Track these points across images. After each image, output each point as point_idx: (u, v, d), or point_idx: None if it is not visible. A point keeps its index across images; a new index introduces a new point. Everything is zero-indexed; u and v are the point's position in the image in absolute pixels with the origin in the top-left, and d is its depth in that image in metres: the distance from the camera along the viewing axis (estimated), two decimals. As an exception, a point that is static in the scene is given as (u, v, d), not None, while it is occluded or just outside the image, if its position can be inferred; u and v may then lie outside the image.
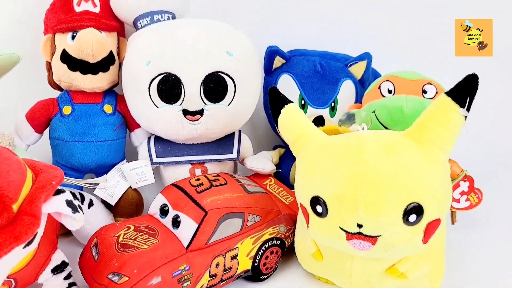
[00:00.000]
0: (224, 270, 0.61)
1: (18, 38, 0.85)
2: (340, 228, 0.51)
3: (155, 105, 0.70)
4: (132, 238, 0.60)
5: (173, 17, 0.77)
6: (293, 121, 0.59)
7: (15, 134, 0.76)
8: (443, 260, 0.60)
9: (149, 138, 0.77)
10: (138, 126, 0.79)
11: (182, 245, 0.59)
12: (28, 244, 0.46)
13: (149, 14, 0.74)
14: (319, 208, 0.52)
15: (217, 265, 0.60)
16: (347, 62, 0.83)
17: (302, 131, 0.58)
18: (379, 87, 0.76)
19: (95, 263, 0.58)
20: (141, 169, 0.75)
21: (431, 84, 0.73)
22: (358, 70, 0.83)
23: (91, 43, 0.70)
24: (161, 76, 0.68)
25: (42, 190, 0.47)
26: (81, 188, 0.76)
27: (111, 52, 0.75)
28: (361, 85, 0.84)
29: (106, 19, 0.75)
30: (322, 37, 0.96)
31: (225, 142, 0.76)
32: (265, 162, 0.77)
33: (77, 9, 0.74)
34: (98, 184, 0.73)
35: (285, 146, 0.79)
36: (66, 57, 0.72)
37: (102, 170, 0.78)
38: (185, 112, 0.69)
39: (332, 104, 0.81)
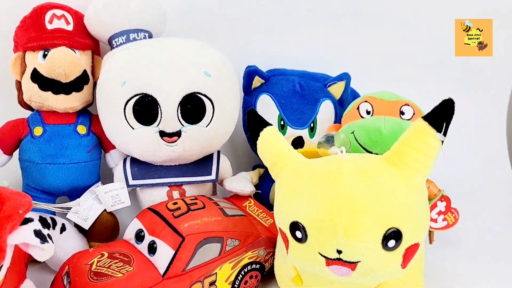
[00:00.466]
0: (202, 297, 0.59)
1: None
2: (320, 254, 0.50)
3: (130, 126, 0.68)
4: (106, 266, 0.57)
5: (150, 36, 0.76)
6: (272, 144, 0.58)
7: (-18, 156, 0.73)
8: (422, 281, 0.60)
9: (125, 160, 0.75)
10: (114, 147, 0.77)
11: (159, 272, 0.57)
12: (-8, 277, 0.44)
13: (125, 32, 0.73)
14: (298, 234, 0.51)
15: (195, 293, 0.58)
16: (326, 82, 0.84)
17: (281, 154, 0.57)
18: (358, 108, 0.76)
19: (66, 294, 0.55)
20: (116, 192, 0.73)
21: (408, 105, 0.74)
22: (337, 90, 0.83)
23: (64, 62, 0.68)
24: (137, 97, 0.66)
25: (8, 220, 0.45)
26: (53, 212, 0.73)
27: (84, 71, 0.73)
28: (340, 105, 0.84)
29: (79, 37, 0.74)
30: (301, 55, 0.96)
31: (203, 164, 0.75)
32: (244, 183, 0.76)
33: (49, 26, 0.72)
34: (70, 208, 0.71)
35: (265, 166, 0.79)
36: (37, 76, 0.70)
37: (75, 193, 0.75)
38: (162, 134, 0.68)
39: (312, 125, 0.81)
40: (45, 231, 0.50)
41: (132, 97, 0.66)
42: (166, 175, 0.73)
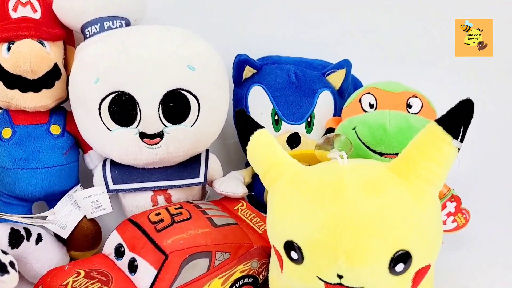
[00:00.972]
0: (189, 319, 0.54)
1: None
2: (318, 277, 0.45)
3: (107, 128, 0.61)
4: (83, 287, 0.52)
5: (127, 24, 0.68)
6: (264, 150, 0.51)
7: None
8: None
9: (104, 162, 0.69)
10: (92, 147, 0.70)
11: (140, 293, 0.51)
12: None
13: (98, 20, 0.65)
14: (294, 255, 0.45)
15: (180, 314, 0.53)
16: (325, 71, 0.76)
17: (274, 161, 0.51)
18: (360, 100, 0.69)
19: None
20: (96, 197, 0.67)
21: (416, 97, 0.67)
22: (336, 79, 0.76)
23: (29, 57, 0.60)
24: (113, 95, 0.59)
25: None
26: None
27: (55, 65, 0.65)
28: (340, 95, 0.77)
29: (48, 26, 0.66)
30: (297, 39, 0.88)
31: (190, 165, 0.68)
32: (236, 184, 0.70)
33: (13, 15, 0.64)
34: (46, 217, 0.65)
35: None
36: (1, 73, 0.62)
37: (53, 198, 0.69)
38: (143, 136, 0.61)
39: (309, 119, 0.74)
40: (6, 258, 0.44)
41: (107, 96, 0.59)
42: (150, 179, 0.66)
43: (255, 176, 0.78)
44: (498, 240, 0.75)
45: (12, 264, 0.44)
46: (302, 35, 0.88)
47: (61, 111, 0.70)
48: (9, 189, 0.66)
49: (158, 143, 0.62)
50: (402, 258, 0.42)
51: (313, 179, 0.47)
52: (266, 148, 0.51)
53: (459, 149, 0.44)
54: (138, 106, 0.59)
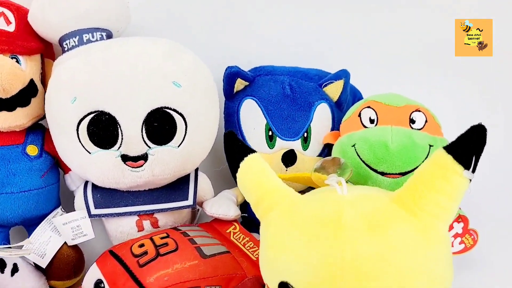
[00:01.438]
0: None
1: None
2: (316, 322, 0.40)
3: (86, 150, 0.56)
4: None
5: (109, 35, 0.63)
6: (256, 178, 0.47)
7: None
8: None
9: (86, 184, 0.64)
10: (73, 168, 0.65)
11: (121, 336, 0.47)
12: None
13: (77, 33, 0.60)
14: (289, 297, 0.41)
15: None
16: (321, 82, 0.71)
17: (267, 190, 0.46)
18: (359, 115, 0.65)
19: None
20: (77, 223, 0.62)
21: (419, 111, 0.63)
22: (334, 90, 0.71)
23: (0, 75, 0.55)
24: (91, 115, 0.54)
25: None
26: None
27: (31, 81, 0.60)
28: (338, 108, 0.72)
29: (23, 39, 0.61)
30: (291, 46, 0.84)
31: (178, 186, 0.63)
32: (227, 205, 0.65)
33: (-15, 28, 0.59)
34: (21, 247, 0.60)
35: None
36: (-29, 91, 0.58)
37: (31, 223, 0.64)
38: (125, 158, 0.56)
39: (305, 135, 0.69)
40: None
41: (85, 116, 0.55)
42: (135, 202, 0.62)
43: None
44: (509, 262, 0.71)
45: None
46: (296, 42, 0.84)
47: (39, 130, 0.65)
48: (-17, 215, 0.62)
49: (142, 165, 0.57)
50: (409, 303, 0.38)
51: (310, 213, 0.42)
52: (258, 175, 0.47)
53: (470, 180, 0.39)
54: (120, 126, 0.55)
